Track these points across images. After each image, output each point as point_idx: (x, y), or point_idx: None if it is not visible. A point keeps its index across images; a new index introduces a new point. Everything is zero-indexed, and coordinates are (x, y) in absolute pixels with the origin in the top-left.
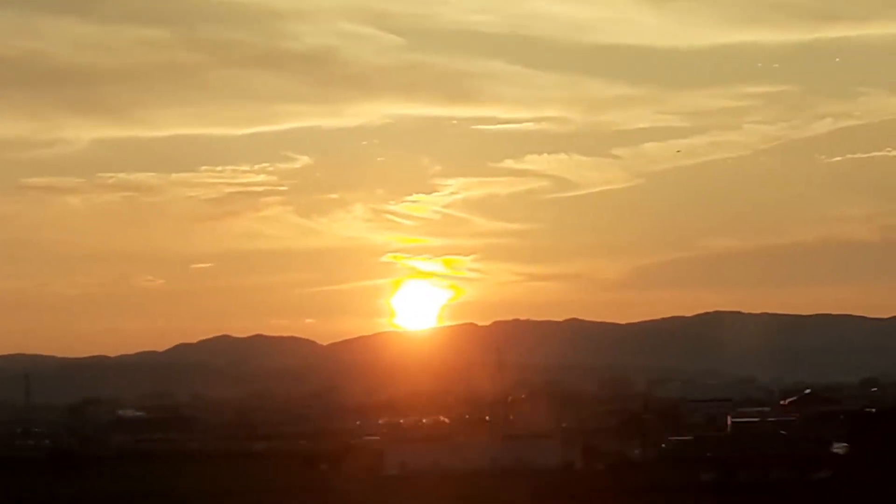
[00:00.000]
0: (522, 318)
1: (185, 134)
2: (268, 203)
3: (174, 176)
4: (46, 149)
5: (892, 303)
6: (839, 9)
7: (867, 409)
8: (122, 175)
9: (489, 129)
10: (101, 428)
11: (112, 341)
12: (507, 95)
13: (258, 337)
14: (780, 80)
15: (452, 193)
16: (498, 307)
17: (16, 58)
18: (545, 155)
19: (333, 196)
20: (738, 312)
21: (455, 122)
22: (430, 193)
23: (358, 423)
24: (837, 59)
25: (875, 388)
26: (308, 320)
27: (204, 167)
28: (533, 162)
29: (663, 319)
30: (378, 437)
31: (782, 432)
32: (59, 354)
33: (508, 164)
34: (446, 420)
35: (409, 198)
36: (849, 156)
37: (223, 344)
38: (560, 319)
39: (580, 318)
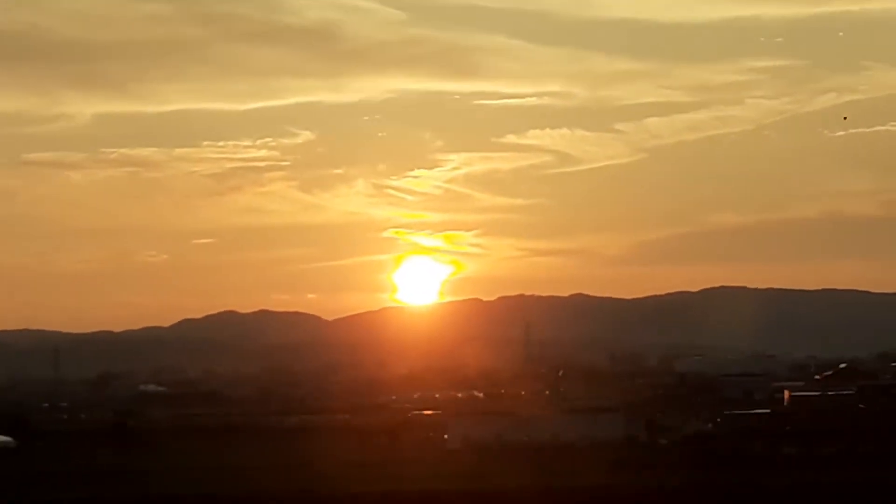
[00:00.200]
0: (527, 293)
1: (188, 109)
2: (270, 178)
3: (176, 151)
4: (49, 124)
5: None
6: None
7: None
8: (124, 150)
9: (491, 103)
10: (124, 402)
11: (116, 317)
12: (510, 70)
13: (263, 312)
14: (784, 54)
15: (454, 169)
16: (501, 283)
17: (18, 32)
18: (548, 130)
19: (335, 171)
20: (744, 287)
21: (457, 96)
22: (431, 169)
23: (393, 397)
24: (841, 34)
25: (895, 363)
26: (310, 295)
27: (206, 142)
28: (535, 137)
29: (669, 294)
30: (439, 412)
31: (860, 406)
32: (64, 330)
33: (511, 139)
34: (480, 394)
35: (411, 173)
36: (852, 130)
37: (228, 319)
38: (565, 295)
39: (585, 293)
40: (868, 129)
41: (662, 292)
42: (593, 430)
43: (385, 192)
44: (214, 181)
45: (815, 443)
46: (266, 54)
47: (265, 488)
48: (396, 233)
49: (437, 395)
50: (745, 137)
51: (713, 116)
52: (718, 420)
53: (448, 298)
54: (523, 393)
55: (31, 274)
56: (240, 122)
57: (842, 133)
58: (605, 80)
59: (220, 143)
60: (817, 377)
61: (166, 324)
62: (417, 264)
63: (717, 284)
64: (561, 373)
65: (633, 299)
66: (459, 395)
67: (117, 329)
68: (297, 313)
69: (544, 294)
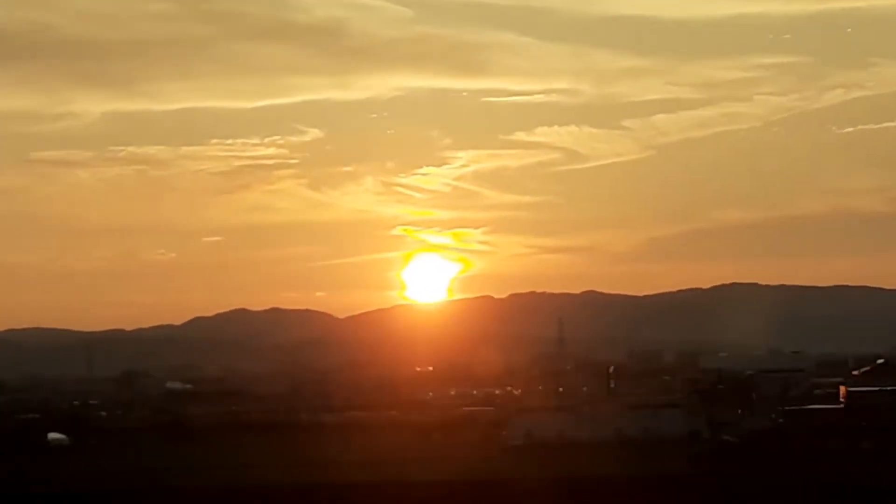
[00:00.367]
0: (538, 290)
1: (195, 107)
2: (278, 176)
3: (184, 149)
4: (56, 122)
5: None
6: None
7: None
8: (132, 148)
9: (499, 101)
10: (158, 400)
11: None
12: (518, 67)
13: (274, 310)
14: (791, 50)
15: (463, 166)
16: (510, 280)
17: (25, 31)
18: (555, 127)
19: (344, 169)
20: (756, 284)
21: (465, 94)
22: (440, 166)
23: (430, 394)
24: (849, 30)
25: None
26: (319, 293)
27: (214, 140)
28: (543, 134)
29: (679, 291)
30: (490, 408)
31: None
32: (75, 328)
33: (519, 136)
34: (517, 391)
35: (419, 170)
36: (860, 127)
37: (240, 317)
38: (577, 292)
39: (597, 290)
40: (876, 126)
41: (674, 289)
42: (656, 425)
43: (393, 189)
44: (222, 179)
45: (892, 438)
46: (274, 52)
47: (357, 481)
48: (405, 230)
49: (474, 392)
50: (752, 134)
51: (721, 113)
52: (774, 416)
53: (459, 296)
54: (561, 390)
55: (39, 272)
56: (248, 119)
57: (850, 129)
58: (613, 77)
59: (228, 142)
60: (854, 372)
61: (178, 322)
62: (426, 262)
63: (728, 281)
64: (612, 369)
65: (645, 296)
66: (497, 391)
67: (129, 327)
68: (308, 311)
69: (556, 291)
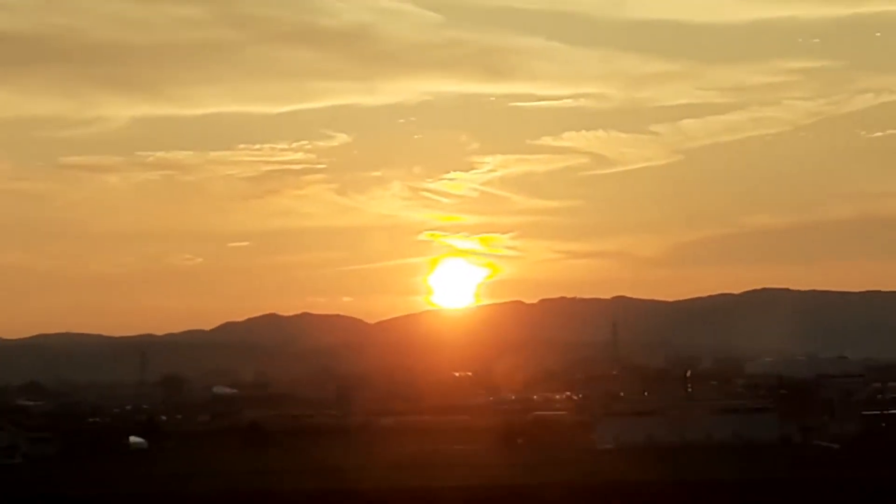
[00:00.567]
0: (569, 295)
1: (223, 112)
2: (306, 181)
3: (212, 154)
4: (85, 127)
5: None
6: None
7: None
8: (160, 153)
9: (527, 105)
10: (206, 404)
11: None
12: (545, 72)
13: (305, 315)
14: (821, 55)
15: (490, 171)
16: (539, 285)
17: (54, 36)
18: (583, 132)
19: (371, 174)
20: (787, 289)
21: (493, 98)
22: (467, 171)
23: (490, 398)
24: (878, 34)
25: None
26: (346, 298)
27: (242, 145)
28: (571, 139)
29: (710, 297)
30: (563, 412)
31: None
32: (106, 333)
33: (546, 141)
34: (575, 396)
35: (446, 175)
36: (890, 131)
37: (270, 322)
38: (607, 297)
39: (627, 295)
40: None
41: (704, 294)
42: (747, 430)
43: (421, 194)
44: (250, 184)
45: None
46: (301, 57)
47: (469, 484)
48: (432, 235)
49: (534, 397)
50: (781, 138)
51: (749, 118)
52: (857, 421)
53: (489, 301)
54: (622, 394)
55: (68, 277)
56: (275, 124)
57: (879, 134)
58: (641, 81)
59: (256, 146)
60: None
61: (208, 327)
62: (453, 267)
63: (759, 286)
64: (689, 373)
65: (676, 301)
66: (557, 396)
67: (159, 332)
68: (338, 316)
69: (586, 297)
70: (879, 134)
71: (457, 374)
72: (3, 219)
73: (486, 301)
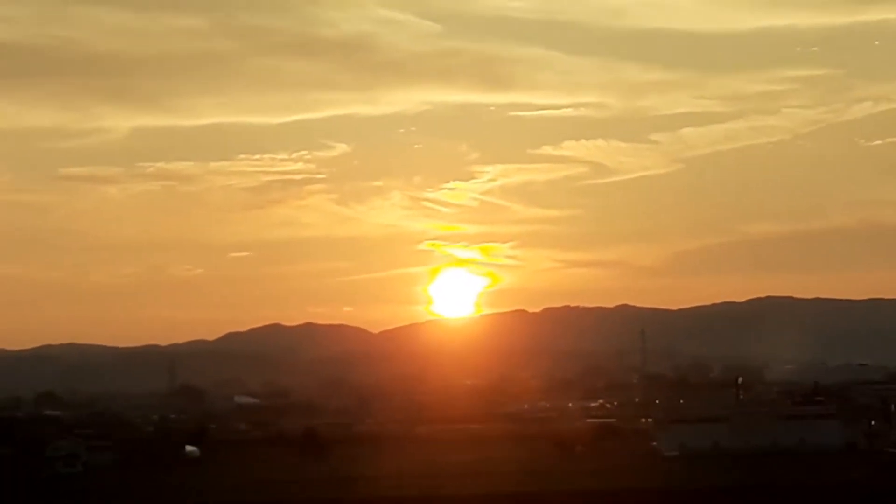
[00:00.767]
0: (571, 304)
1: (223, 122)
2: (307, 192)
3: (212, 164)
4: (85, 138)
5: None
6: None
7: None
8: (160, 164)
9: (527, 115)
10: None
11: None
12: (545, 81)
13: (308, 325)
14: (820, 63)
15: (490, 180)
16: (539, 294)
17: (54, 47)
18: (583, 141)
19: (371, 184)
20: (791, 298)
21: (492, 108)
22: (467, 180)
23: (525, 406)
24: (877, 42)
25: None
26: (346, 308)
27: (242, 155)
28: (571, 148)
29: (715, 305)
30: (612, 419)
31: None
32: (110, 344)
33: (546, 150)
34: (611, 404)
35: (446, 185)
36: (889, 139)
37: (274, 332)
38: (611, 306)
39: (630, 303)
40: None
41: (709, 303)
42: (812, 436)
43: (421, 204)
44: (250, 194)
45: None
46: (301, 67)
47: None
48: (432, 245)
49: (569, 405)
50: (780, 147)
51: (749, 126)
52: None
53: (491, 310)
54: (657, 401)
55: (68, 288)
56: (275, 135)
57: (878, 142)
58: (640, 90)
59: (256, 157)
60: None
61: (211, 337)
62: (453, 276)
63: (763, 295)
64: (740, 380)
65: (681, 309)
66: (592, 404)
67: (163, 343)
68: (342, 326)
69: (590, 305)
70: (878, 142)
71: (469, 383)
72: (3, 230)
73: (487, 310)
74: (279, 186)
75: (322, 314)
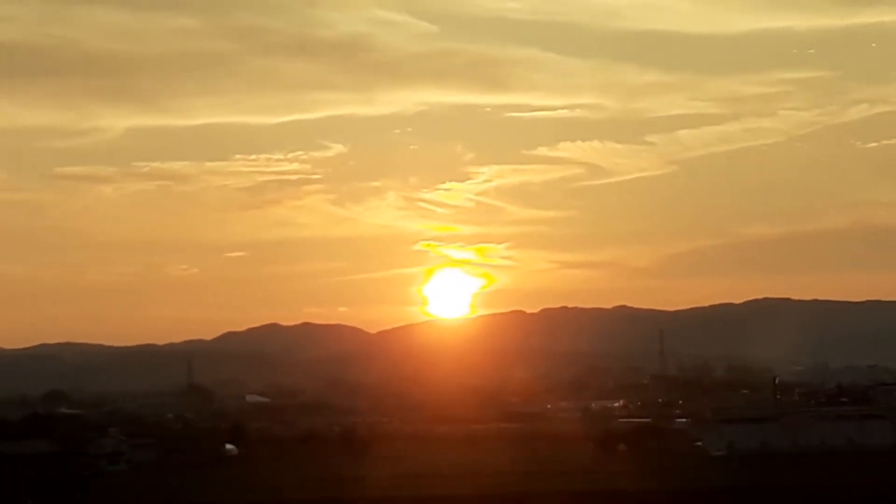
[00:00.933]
0: (570, 305)
1: (219, 122)
2: (302, 192)
3: (208, 165)
4: (80, 138)
5: None
6: None
7: None
8: (156, 164)
9: (522, 116)
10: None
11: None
12: (541, 82)
13: (306, 325)
14: (815, 65)
15: (486, 181)
16: (535, 295)
17: (50, 47)
18: (579, 142)
19: (367, 184)
20: (788, 299)
21: (488, 109)
22: (463, 181)
23: (549, 406)
24: (873, 45)
25: None
26: (342, 308)
27: (238, 155)
28: (566, 149)
29: (712, 306)
30: (648, 419)
31: None
32: (107, 343)
33: (542, 151)
34: (630, 404)
35: (442, 186)
36: (884, 141)
37: (271, 332)
38: (608, 307)
39: (628, 304)
40: None
41: (706, 304)
42: (861, 437)
43: (416, 204)
44: (246, 194)
45: None
46: (297, 68)
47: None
48: (427, 245)
49: (592, 405)
50: (776, 149)
51: (744, 128)
52: None
53: (483, 311)
54: (681, 402)
55: (67, 287)
56: (271, 135)
57: (874, 144)
58: (636, 92)
59: (252, 157)
60: None
61: (209, 337)
62: (449, 277)
63: (759, 296)
64: (777, 380)
65: (678, 311)
66: (615, 404)
67: (160, 342)
68: (340, 326)
69: (587, 306)
70: (874, 144)
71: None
72: None
73: (482, 311)
74: (275, 186)
75: (319, 314)
